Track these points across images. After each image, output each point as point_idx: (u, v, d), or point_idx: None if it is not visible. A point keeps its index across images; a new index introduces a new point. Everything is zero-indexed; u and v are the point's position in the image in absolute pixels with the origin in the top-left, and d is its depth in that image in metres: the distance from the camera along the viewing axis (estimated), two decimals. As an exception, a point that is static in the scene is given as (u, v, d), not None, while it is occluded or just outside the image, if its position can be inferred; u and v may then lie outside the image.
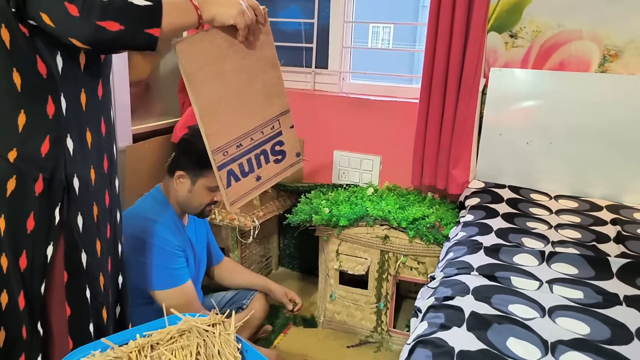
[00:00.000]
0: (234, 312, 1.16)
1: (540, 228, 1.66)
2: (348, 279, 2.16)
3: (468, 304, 1.18)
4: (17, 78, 1.01)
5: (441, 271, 1.44)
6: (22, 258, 1.05)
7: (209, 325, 1.08)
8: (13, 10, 0.94)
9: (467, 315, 1.13)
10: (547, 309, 1.18)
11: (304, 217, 2.06)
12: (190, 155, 1.62)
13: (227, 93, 1.14)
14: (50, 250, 1.08)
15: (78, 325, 1.14)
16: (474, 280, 1.30)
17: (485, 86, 2.09)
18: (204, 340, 1.05)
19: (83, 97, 1.10)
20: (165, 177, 1.73)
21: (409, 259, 1.99)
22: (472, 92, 2.05)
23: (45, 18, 0.93)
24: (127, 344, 1.04)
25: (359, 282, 2.14)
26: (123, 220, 1.32)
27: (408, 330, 2.07)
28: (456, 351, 1.00)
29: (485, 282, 1.30)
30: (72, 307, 1.12)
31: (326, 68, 2.45)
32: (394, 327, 2.13)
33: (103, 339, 1.05)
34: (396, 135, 2.31)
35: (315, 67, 2.44)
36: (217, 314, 1.11)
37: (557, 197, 1.97)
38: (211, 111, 1.12)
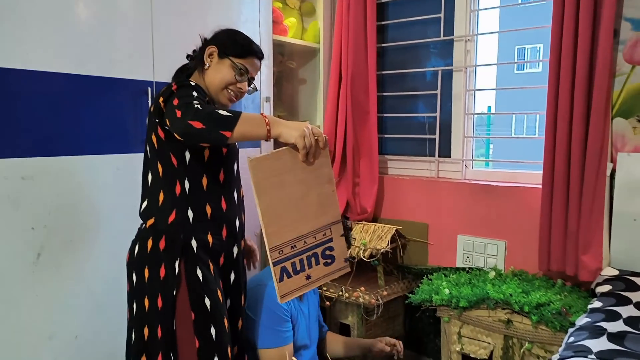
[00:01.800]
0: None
1: (679, 319, 1.54)
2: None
3: (577, 384, 1.17)
4: (160, 167, 1.44)
5: (558, 355, 1.42)
6: (159, 299, 1.38)
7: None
8: (156, 120, 1.40)
9: (574, 394, 1.13)
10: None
11: (424, 296, 2.14)
12: None
13: (286, 200, 1.31)
14: (174, 293, 1.41)
15: (205, 358, 1.41)
16: (589, 364, 1.28)
17: (614, 170, 2.05)
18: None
19: (204, 181, 1.47)
20: None
21: (535, 346, 1.93)
22: (599, 178, 2.03)
23: (168, 122, 1.35)
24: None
25: (484, 369, 2.10)
26: (252, 284, 1.62)
27: None
28: None
29: (602, 366, 1.26)
30: (199, 340, 1.40)
31: (449, 157, 2.61)
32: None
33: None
34: (521, 220, 2.32)
35: (439, 156, 2.62)
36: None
37: None
38: (271, 214, 1.28)
